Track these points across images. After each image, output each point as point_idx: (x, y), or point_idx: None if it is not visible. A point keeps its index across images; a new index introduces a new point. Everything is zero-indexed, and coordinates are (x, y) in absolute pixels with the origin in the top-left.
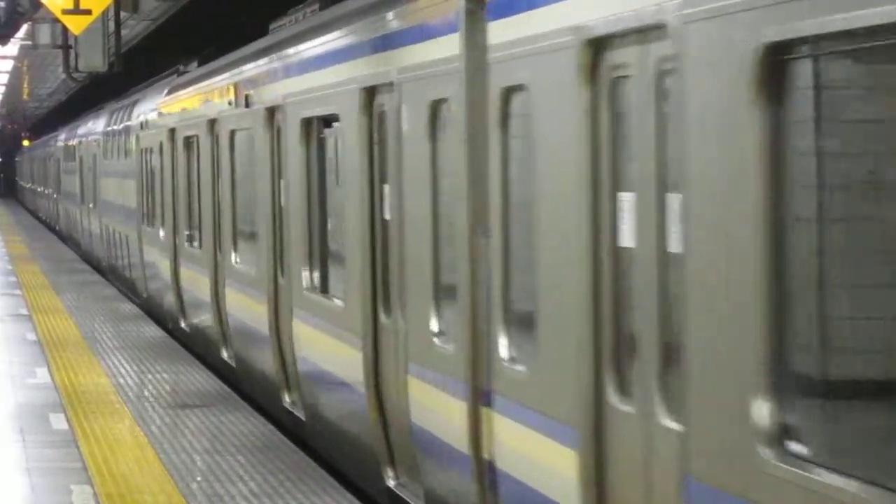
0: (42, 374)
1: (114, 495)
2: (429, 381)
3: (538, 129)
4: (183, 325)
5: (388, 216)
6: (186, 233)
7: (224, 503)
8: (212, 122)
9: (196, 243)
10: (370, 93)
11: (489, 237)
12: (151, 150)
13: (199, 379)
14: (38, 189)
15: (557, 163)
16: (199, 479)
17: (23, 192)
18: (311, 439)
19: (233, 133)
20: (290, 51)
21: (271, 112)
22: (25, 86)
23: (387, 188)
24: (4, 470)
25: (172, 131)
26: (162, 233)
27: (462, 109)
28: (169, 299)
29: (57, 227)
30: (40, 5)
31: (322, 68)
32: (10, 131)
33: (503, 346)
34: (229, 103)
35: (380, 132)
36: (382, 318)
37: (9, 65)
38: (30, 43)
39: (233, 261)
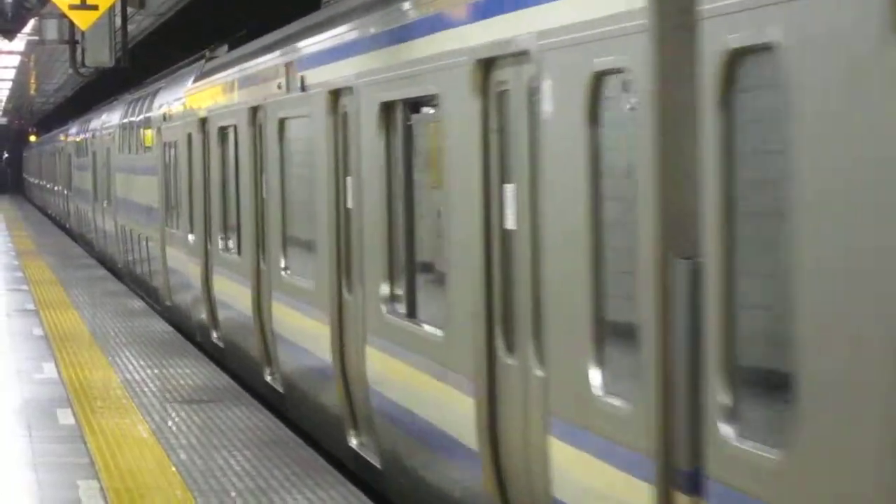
0: (49, 370)
1: (121, 490)
2: (585, 447)
3: (807, 106)
4: (215, 338)
5: (511, 225)
6: (221, 237)
7: (231, 498)
8: (254, 110)
9: (234, 249)
10: (487, 66)
11: (697, 259)
12: (177, 144)
13: (207, 374)
14: (47, 186)
15: (853, 154)
16: (206, 474)
17: (30, 188)
18: (390, 490)
19: (282, 122)
20: (365, 20)
21: (336, 95)
22: (32, 81)
23: (510, 189)
24: (11, 465)
25: (203, 122)
26: (191, 236)
27: (649, 83)
28: (198, 310)
29: (67, 226)
30: (47, 1)
31: (411, 39)
32: (17, 127)
33: (725, 416)
34: (279, 87)
35: (500, 116)
36: (502, 355)
37: (16, 60)
38: (37, 38)
39: (281, 271)
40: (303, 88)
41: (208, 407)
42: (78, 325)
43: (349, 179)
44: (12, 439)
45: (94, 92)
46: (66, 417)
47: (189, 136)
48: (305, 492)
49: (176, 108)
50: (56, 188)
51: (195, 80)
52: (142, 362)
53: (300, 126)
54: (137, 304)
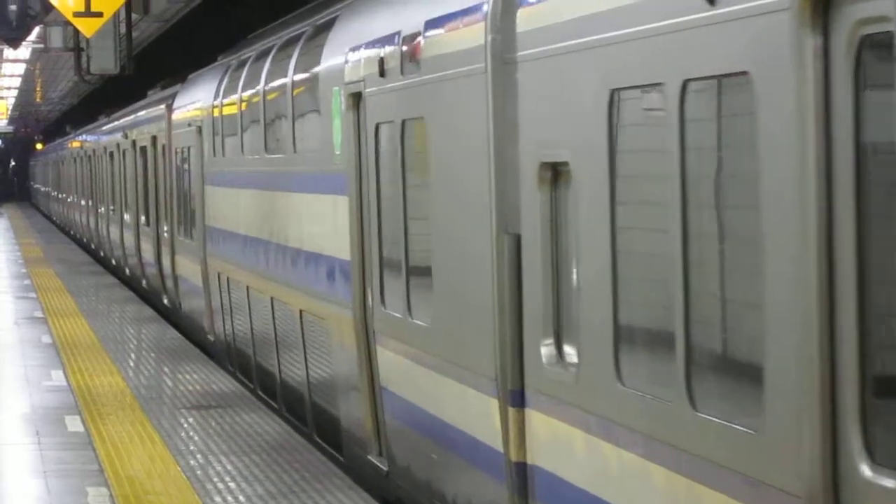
0: (57, 377)
1: (129, 497)
2: None
3: None
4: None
5: None
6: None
7: (240, 503)
8: None
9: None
10: None
11: None
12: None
13: (215, 380)
14: (100, 209)
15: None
16: (214, 479)
17: (39, 196)
18: None
19: None
20: None
21: None
22: (38, 89)
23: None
24: (21, 472)
25: None
26: None
27: None
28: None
29: (168, 304)
30: (52, 8)
31: None
32: (24, 135)
33: None
34: None
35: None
36: None
37: (21, 69)
38: (41, 46)
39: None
40: None
41: (216, 412)
42: (86, 332)
43: None
44: (22, 446)
45: (101, 99)
46: (74, 424)
47: None
48: (314, 496)
49: None
50: (120, 216)
51: None
52: (150, 368)
53: None
54: (144, 310)
